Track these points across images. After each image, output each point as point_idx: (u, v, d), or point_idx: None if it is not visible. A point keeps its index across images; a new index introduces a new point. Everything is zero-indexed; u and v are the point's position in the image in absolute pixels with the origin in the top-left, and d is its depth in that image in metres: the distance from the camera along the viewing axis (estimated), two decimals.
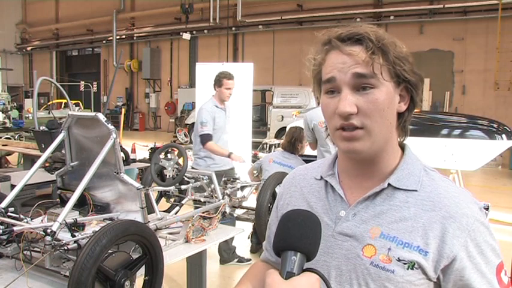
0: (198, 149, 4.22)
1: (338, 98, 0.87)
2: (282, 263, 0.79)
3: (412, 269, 0.86)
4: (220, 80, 4.14)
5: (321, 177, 1.01)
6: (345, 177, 0.98)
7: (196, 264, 2.85)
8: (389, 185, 0.91)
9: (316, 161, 1.13)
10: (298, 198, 1.04)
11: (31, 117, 8.73)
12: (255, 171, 4.48)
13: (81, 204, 2.31)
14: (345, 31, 0.88)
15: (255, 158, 6.84)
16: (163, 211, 2.69)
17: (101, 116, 2.19)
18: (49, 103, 14.00)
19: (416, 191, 0.90)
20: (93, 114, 2.24)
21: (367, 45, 0.85)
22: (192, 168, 4.17)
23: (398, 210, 0.90)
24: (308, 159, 4.50)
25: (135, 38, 20.13)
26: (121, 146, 3.13)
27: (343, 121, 0.86)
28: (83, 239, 1.87)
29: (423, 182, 0.91)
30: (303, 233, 0.80)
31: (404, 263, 0.86)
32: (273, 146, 8.24)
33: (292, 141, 4.22)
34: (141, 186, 2.21)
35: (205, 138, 4.06)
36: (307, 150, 4.41)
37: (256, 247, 4.62)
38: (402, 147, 0.97)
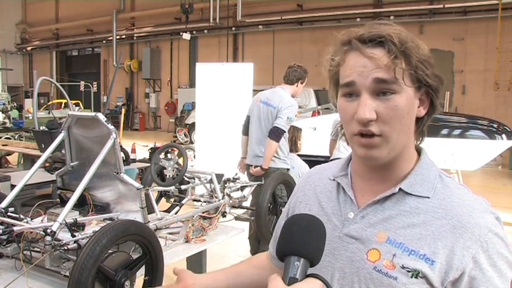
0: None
1: (357, 102, 0.84)
2: (285, 268, 0.77)
3: (416, 277, 0.83)
4: (304, 77, 3.87)
5: (334, 178, 1.00)
6: (357, 179, 0.96)
7: (196, 264, 2.85)
8: (400, 189, 0.89)
9: (334, 161, 1.11)
10: (311, 197, 1.03)
11: (31, 117, 8.71)
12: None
13: (81, 204, 2.31)
14: (366, 32, 0.84)
15: None
16: (163, 211, 2.69)
17: (101, 116, 2.19)
18: (49, 103, 13.98)
19: (428, 197, 0.87)
20: (93, 114, 2.24)
21: (390, 49, 0.81)
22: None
23: (408, 216, 0.87)
24: (308, 159, 4.53)
25: (135, 38, 20.12)
26: (121, 146, 3.13)
27: (362, 127, 0.83)
28: (83, 239, 1.87)
29: (437, 189, 0.88)
30: (306, 239, 0.78)
31: (408, 271, 0.83)
32: None
33: (293, 139, 4.27)
34: (141, 186, 2.21)
35: (281, 135, 3.69)
36: (308, 150, 4.42)
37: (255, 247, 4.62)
38: (418, 150, 0.95)
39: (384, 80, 0.82)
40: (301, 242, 0.78)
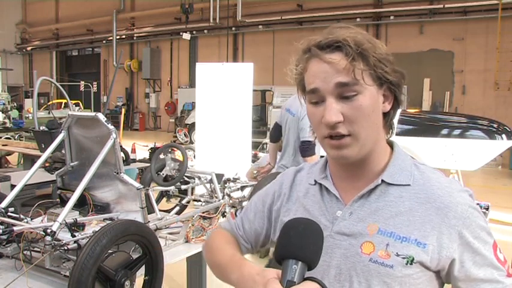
0: (290, 160, 3.51)
1: (323, 107, 0.89)
2: (282, 271, 0.79)
3: (411, 263, 0.87)
4: None
5: (315, 182, 1.02)
6: (337, 179, 1.00)
7: (196, 264, 2.85)
8: (382, 181, 0.93)
9: (307, 165, 1.12)
10: (295, 204, 1.05)
11: (31, 117, 8.72)
12: (254, 172, 4.48)
13: (81, 204, 2.31)
14: (323, 39, 0.89)
15: (255, 158, 6.84)
16: (164, 211, 2.69)
17: (101, 116, 2.20)
18: (49, 103, 13.99)
19: (409, 185, 0.92)
20: (93, 114, 2.24)
21: (347, 52, 0.86)
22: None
23: (394, 205, 0.91)
24: None
25: (135, 38, 20.13)
26: (121, 146, 3.13)
27: (330, 130, 0.88)
28: (83, 239, 1.87)
29: (415, 176, 0.94)
30: (304, 242, 0.80)
31: (403, 258, 0.87)
32: None
33: None
34: (141, 186, 2.21)
35: (313, 148, 3.34)
36: None
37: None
38: (390, 144, 1.00)
39: (346, 84, 0.86)
40: (299, 246, 0.79)
